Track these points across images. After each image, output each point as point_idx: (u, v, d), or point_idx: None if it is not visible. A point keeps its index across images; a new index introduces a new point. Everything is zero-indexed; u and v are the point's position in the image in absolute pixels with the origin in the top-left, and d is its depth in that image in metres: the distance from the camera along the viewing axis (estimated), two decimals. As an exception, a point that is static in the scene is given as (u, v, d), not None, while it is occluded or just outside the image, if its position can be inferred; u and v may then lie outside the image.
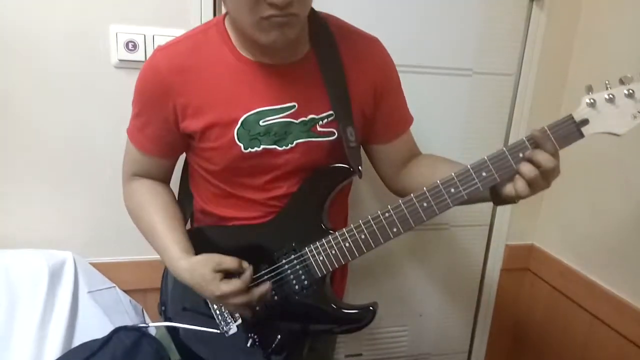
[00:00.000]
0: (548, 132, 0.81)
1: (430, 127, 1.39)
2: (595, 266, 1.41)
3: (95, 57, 1.19)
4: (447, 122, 1.48)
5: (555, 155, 0.81)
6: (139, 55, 1.19)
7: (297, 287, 0.94)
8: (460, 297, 1.70)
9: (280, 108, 0.90)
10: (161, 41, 1.17)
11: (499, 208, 1.59)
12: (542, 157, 0.79)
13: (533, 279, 1.65)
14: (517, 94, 1.50)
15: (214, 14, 1.22)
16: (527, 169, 0.80)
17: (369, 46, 0.97)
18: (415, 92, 1.21)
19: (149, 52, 1.18)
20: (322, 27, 0.93)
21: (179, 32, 1.19)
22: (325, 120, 0.93)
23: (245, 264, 0.90)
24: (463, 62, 1.44)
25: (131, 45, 1.18)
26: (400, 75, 1.03)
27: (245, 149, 0.90)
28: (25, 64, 1.16)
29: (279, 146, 0.91)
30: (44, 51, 1.16)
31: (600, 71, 1.39)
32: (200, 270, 0.87)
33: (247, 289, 0.88)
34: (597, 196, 1.40)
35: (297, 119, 0.91)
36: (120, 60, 1.19)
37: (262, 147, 0.90)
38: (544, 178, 0.81)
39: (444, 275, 1.65)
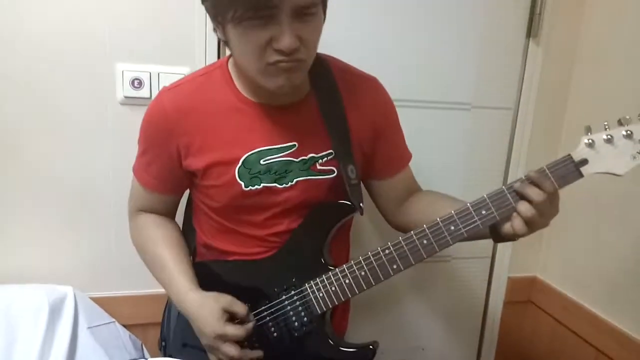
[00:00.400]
0: (547, 171, 0.82)
1: (430, 162, 1.41)
2: (598, 300, 1.40)
3: (101, 94, 1.21)
4: (447, 156, 1.49)
5: (554, 194, 0.82)
6: (144, 92, 1.21)
7: (296, 323, 0.93)
8: (463, 330, 1.68)
9: (281, 147, 0.92)
10: (166, 78, 1.20)
11: (501, 240, 1.59)
12: (541, 197, 0.80)
13: (536, 312, 1.64)
14: (516, 128, 1.52)
15: (218, 52, 1.25)
16: (525, 207, 0.81)
17: (368, 86, 1.00)
18: (415, 126, 1.23)
19: (154, 89, 1.21)
20: (322, 68, 0.96)
21: (184, 69, 1.23)
22: (325, 159, 0.94)
23: (251, 316, 0.91)
24: (462, 97, 1.46)
25: (137, 83, 1.21)
26: (399, 110, 1.05)
27: (246, 187, 0.91)
28: (32, 100, 1.18)
29: (279, 184, 0.92)
30: (51, 88, 1.18)
31: (598, 106, 1.41)
32: (210, 305, 0.88)
33: (243, 342, 0.88)
34: (598, 229, 1.40)
35: (297, 158, 0.93)
36: (126, 97, 1.22)
37: (262, 185, 0.92)
38: (542, 217, 0.81)
39: (446, 308, 1.64)
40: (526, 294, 1.66)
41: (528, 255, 1.63)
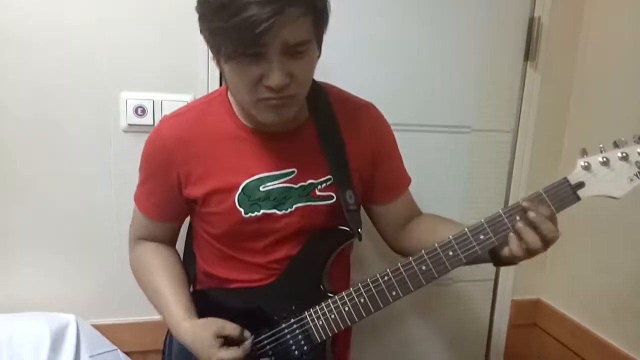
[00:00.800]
0: (544, 195, 0.82)
1: (430, 185, 1.41)
2: (605, 323, 1.38)
3: (105, 121, 1.23)
4: (448, 179, 1.50)
5: (552, 218, 0.82)
6: (147, 120, 1.23)
7: (296, 352, 0.93)
8: (468, 355, 1.66)
9: (280, 174, 0.93)
10: (169, 106, 1.22)
11: (503, 262, 1.58)
12: (539, 220, 0.80)
13: (541, 335, 1.62)
14: (517, 150, 1.53)
15: (221, 80, 1.26)
16: (523, 231, 0.81)
17: (365, 113, 1.01)
18: (415, 150, 1.24)
19: (157, 117, 1.23)
20: (320, 95, 0.97)
21: (187, 97, 1.25)
22: (324, 185, 0.95)
23: (247, 334, 0.90)
24: (461, 120, 1.47)
25: (140, 111, 1.23)
26: (399, 133, 1.06)
27: (245, 213, 0.92)
28: (35, 127, 1.20)
29: (279, 210, 0.93)
30: (55, 116, 1.20)
31: (597, 127, 1.42)
32: (201, 333, 0.87)
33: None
34: (601, 251, 1.40)
35: (296, 184, 0.93)
36: (129, 125, 1.23)
37: (262, 211, 0.92)
38: (541, 242, 0.81)
39: (450, 332, 1.62)
40: (531, 317, 1.64)
41: (532, 277, 1.62)
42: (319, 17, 0.80)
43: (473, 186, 1.52)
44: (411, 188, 1.10)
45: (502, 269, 1.60)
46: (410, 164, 1.09)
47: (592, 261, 1.44)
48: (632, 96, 1.30)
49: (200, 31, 0.83)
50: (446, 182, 1.50)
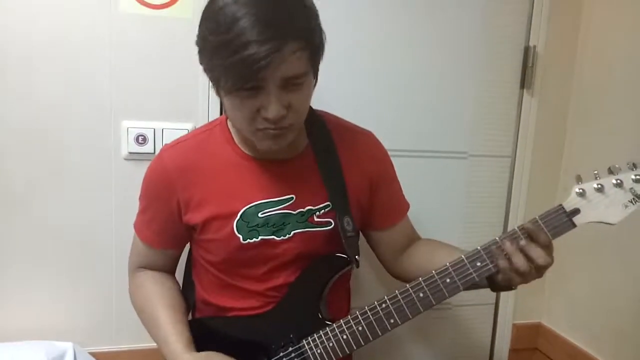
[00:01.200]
0: (540, 222, 0.83)
1: (428, 210, 1.42)
2: (605, 347, 1.37)
3: (106, 150, 1.24)
4: (446, 204, 1.50)
5: (548, 246, 0.82)
6: (148, 148, 1.24)
7: (295, 381, 0.92)
8: (469, 380, 1.64)
9: (279, 200, 0.94)
10: (170, 134, 1.24)
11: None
12: (533, 250, 0.81)
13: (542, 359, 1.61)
14: (514, 175, 1.54)
15: (221, 108, 1.28)
16: (518, 259, 0.81)
17: (364, 141, 1.03)
18: (413, 176, 1.24)
19: (158, 145, 1.24)
20: (318, 123, 0.99)
21: (187, 125, 1.27)
22: (323, 211, 0.96)
23: None
24: (458, 146, 1.49)
25: (141, 139, 1.24)
26: (397, 159, 1.08)
27: (244, 240, 0.93)
28: (37, 154, 1.21)
29: (277, 236, 0.94)
30: (57, 143, 1.21)
31: (595, 153, 1.43)
32: None
33: None
34: (599, 275, 1.40)
35: (294, 210, 0.94)
36: (130, 153, 1.25)
37: (260, 238, 0.93)
38: (537, 269, 0.82)
39: (450, 356, 1.60)
40: (532, 341, 1.63)
41: (532, 300, 1.62)
42: (316, 50, 0.83)
43: (471, 211, 1.53)
44: (409, 213, 1.11)
45: (503, 292, 1.59)
46: (408, 189, 1.10)
47: (590, 285, 1.44)
48: (628, 122, 1.32)
49: (200, 63, 0.85)
50: (444, 207, 1.50)
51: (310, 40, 0.80)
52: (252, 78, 0.76)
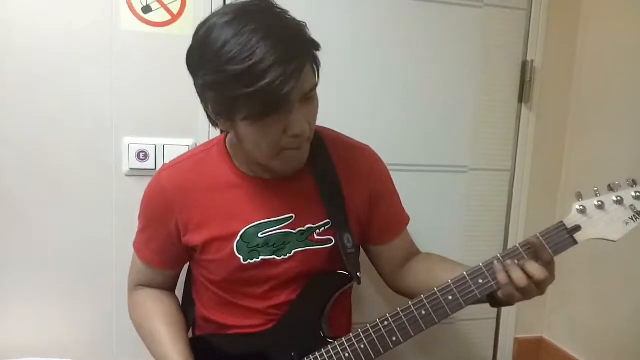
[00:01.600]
0: (541, 239, 0.83)
1: (428, 225, 1.42)
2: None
3: (107, 166, 1.25)
4: (446, 218, 1.50)
5: (550, 263, 0.82)
6: (149, 164, 1.25)
7: (296, 401, 0.92)
8: (472, 395, 1.63)
9: (278, 220, 0.94)
10: (171, 150, 1.24)
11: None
12: (531, 266, 0.81)
13: (545, 375, 1.60)
14: (514, 189, 1.54)
15: (221, 127, 1.29)
16: (518, 276, 0.81)
17: (361, 155, 1.03)
18: (413, 190, 1.24)
19: (159, 161, 1.25)
20: (317, 140, 0.98)
21: (188, 141, 1.28)
22: (323, 229, 0.96)
23: None
24: (458, 160, 1.49)
25: (142, 155, 1.25)
26: (397, 174, 1.08)
27: (244, 260, 0.93)
28: (37, 170, 1.21)
29: (278, 256, 0.94)
30: (58, 160, 1.22)
31: (593, 166, 1.43)
32: None
33: None
34: (600, 290, 1.39)
35: (294, 229, 0.94)
36: (131, 169, 1.25)
37: (261, 258, 0.93)
38: (538, 285, 0.82)
39: (453, 371, 1.60)
40: (534, 356, 1.62)
41: (533, 315, 1.61)
42: (318, 61, 0.85)
43: (471, 225, 1.53)
44: (409, 228, 1.10)
45: (504, 307, 1.58)
46: (409, 204, 1.10)
47: (591, 299, 1.43)
48: (626, 134, 1.32)
49: (204, 100, 0.84)
50: (444, 221, 1.50)
51: (313, 53, 0.82)
52: (284, 100, 0.76)
